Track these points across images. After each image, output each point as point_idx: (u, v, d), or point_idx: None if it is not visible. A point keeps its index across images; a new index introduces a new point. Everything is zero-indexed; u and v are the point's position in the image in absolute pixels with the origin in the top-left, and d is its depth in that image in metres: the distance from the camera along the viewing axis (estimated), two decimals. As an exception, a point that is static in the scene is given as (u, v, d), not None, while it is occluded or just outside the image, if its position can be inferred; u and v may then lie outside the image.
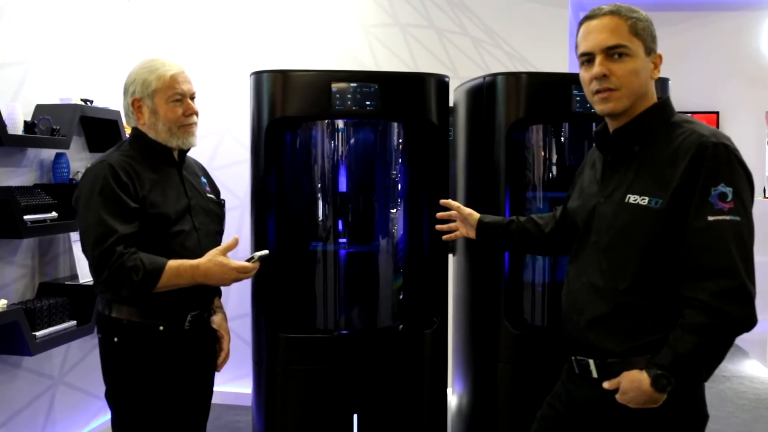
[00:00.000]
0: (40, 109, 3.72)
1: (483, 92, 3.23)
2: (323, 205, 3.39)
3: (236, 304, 4.68)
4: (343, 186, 3.38)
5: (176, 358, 2.49)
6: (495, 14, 4.88)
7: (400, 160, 3.45)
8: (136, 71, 2.54)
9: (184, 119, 2.52)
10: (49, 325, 3.50)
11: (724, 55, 7.33)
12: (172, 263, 2.35)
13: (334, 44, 4.85)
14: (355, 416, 3.21)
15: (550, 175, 3.34)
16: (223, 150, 4.91)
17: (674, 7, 7.18)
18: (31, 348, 3.34)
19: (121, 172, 2.37)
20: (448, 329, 3.38)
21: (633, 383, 1.89)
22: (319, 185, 3.38)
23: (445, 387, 3.39)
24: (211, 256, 2.41)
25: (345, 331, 3.38)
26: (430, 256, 3.37)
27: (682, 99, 6.37)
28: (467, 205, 3.47)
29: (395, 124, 3.41)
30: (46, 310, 3.48)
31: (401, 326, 3.43)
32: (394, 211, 3.45)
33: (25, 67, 3.69)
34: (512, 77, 3.17)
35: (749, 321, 1.81)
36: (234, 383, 4.79)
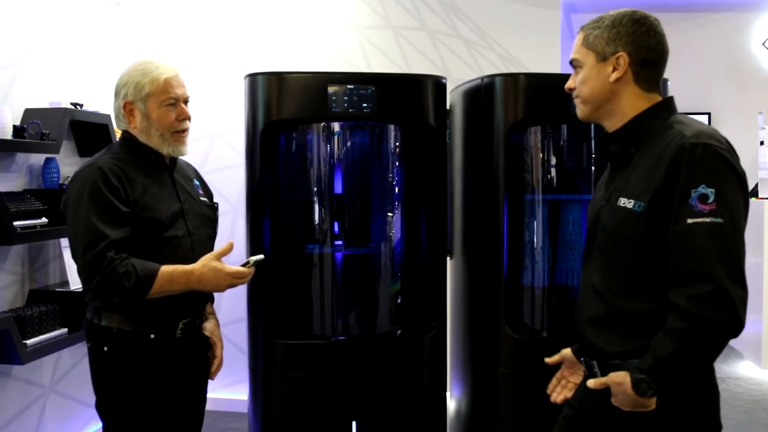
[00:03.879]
0: (29, 113, 3.66)
1: (480, 94, 3.19)
2: (320, 209, 3.34)
3: (228, 310, 4.62)
4: (339, 189, 3.34)
5: (168, 366, 2.42)
6: (487, 16, 4.86)
7: (397, 163, 3.42)
8: (129, 73, 2.46)
9: (178, 124, 2.45)
10: (40, 333, 3.43)
11: (715, 56, 7.35)
12: (165, 269, 2.29)
13: (325, 47, 4.81)
14: (354, 423, 3.16)
15: (549, 177, 3.31)
16: (214, 154, 4.86)
17: (665, 8, 7.18)
18: (22, 357, 3.28)
19: (111, 176, 2.31)
20: (447, 334, 3.34)
21: (618, 386, 1.88)
22: (316, 188, 3.33)
23: (445, 393, 3.35)
24: (206, 261, 2.35)
25: (342, 337, 3.34)
26: (428, 260, 3.33)
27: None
28: (464, 209, 3.46)
29: (392, 127, 3.37)
30: (37, 318, 3.41)
31: (399, 331, 3.39)
32: (391, 214, 3.41)
33: (14, 70, 3.63)
34: (510, 78, 3.14)
35: (731, 325, 1.76)
36: (227, 390, 4.73)
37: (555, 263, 3.29)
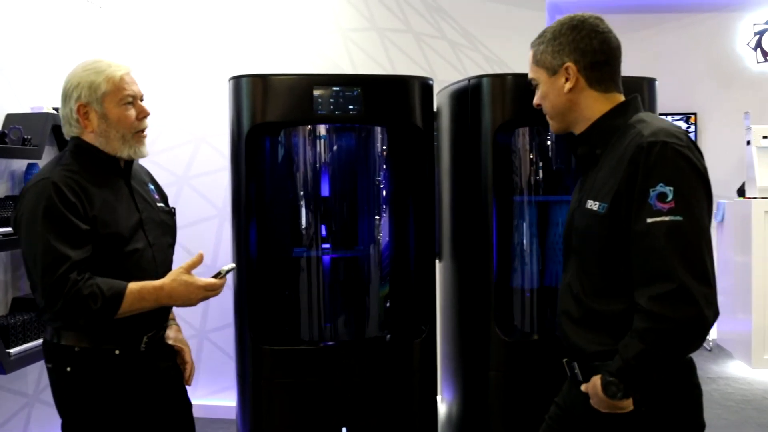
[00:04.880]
0: (10, 118, 3.61)
1: (468, 95, 3.16)
2: (306, 212, 3.30)
3: (217, 315, 4.58)
4: (326, 192, 3.30)
5: (136, 382, 2.30)
6: (472, 17, 4.85)
7: (384, 166, 3.38)
8: (79, 74, 2.32)
9: (138, 123, 2.33)
10: (24, 342, 3.37)
11: (700, 57, 7.36)
12: (133, 286, 2.17)
13: (310, 49, 4.78)
14: (344, 429, 3.12)
15: (537, 178, 3.28)
16: (199, 158, 4.81)
17: (649, 9, 7.19)
18: (5, 366, 3.22)
19: (67, 191, 2.16)
20: (437, 338, 3.31)
21: (594, 388, 1.89)
22: (302, 191, 3.29)
23: (435, 397, 3.31)
24: (175, 275, 2.23)
25: (331, 342, 3.29)
26: (417, 263, 3.30)
27: (659, 101, 6.37)
28: (453, 211, 3.43)
29: (379, 129, 3.34)
30: (20, 326, 3.36)
31: (389, 336, 3.35)
32: (379, 217, 3.37)
33: (-6, 75, 3.58)
34: (498, 79, 3.11)
35: (695, 323, 1.75)
36: (217, 396, 4.67)
37: (545, 265, 3.26)
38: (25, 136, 3.49)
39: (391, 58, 4.85)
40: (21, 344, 3.35)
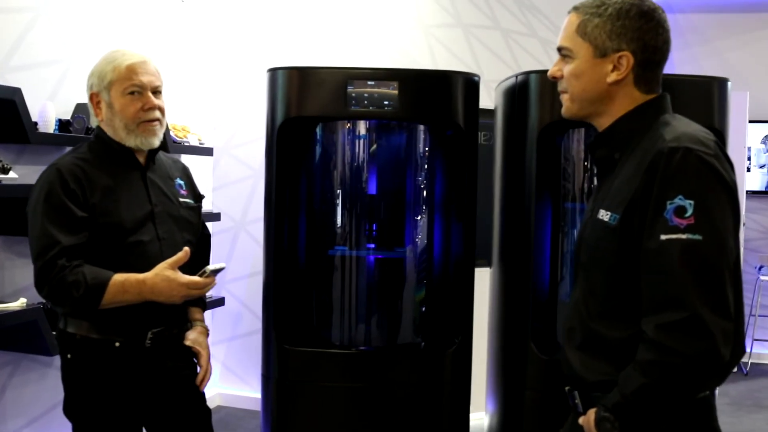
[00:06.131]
0: (79, 108, 3.70)
1: (515, 92, 2.96)
2: (342, 211, 3.19)
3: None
4: (362, 191, 3.18)
5: (137, 377, 2.27)
6: (565, 15, 4.58)
7: (426, 165, 3.22)
8: (97, 64, 2.34)
9: (143, 114, 2.28)
10: (73, 326, 3.44)
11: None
12: (118, 278, 2.15)
13: (390, 45, 4.66)
14: (366, 438, 3.00)
15: (592, 186, 3.03)
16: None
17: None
18: (51, 348, 3.29)
19: (69, 178, 2.18)
20: (472, 349, 3.12)
21: (587, 424, 1.67)
22: (338, 190, 3.19)
23: (467, 410, 3.13)
24: (159, 270, 2.19)
25: (362, 347, 3.17)
26: (456, 269, 3.12)
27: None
28: (502, 216, 3.22)
29: (421, 127, 3.18)
30: (69, 310, 3.42)
31: (423, 344, 3.19)
32: (418, 218, 3.21)
33: (65, 65, 3.67)
34: (546, 75, 2.88)
35: (706, 360, 1.50)
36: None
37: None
38: (89, 125, 3.56)
39: (475, 55, 4.67)
40: (70, 328, 3.41)
